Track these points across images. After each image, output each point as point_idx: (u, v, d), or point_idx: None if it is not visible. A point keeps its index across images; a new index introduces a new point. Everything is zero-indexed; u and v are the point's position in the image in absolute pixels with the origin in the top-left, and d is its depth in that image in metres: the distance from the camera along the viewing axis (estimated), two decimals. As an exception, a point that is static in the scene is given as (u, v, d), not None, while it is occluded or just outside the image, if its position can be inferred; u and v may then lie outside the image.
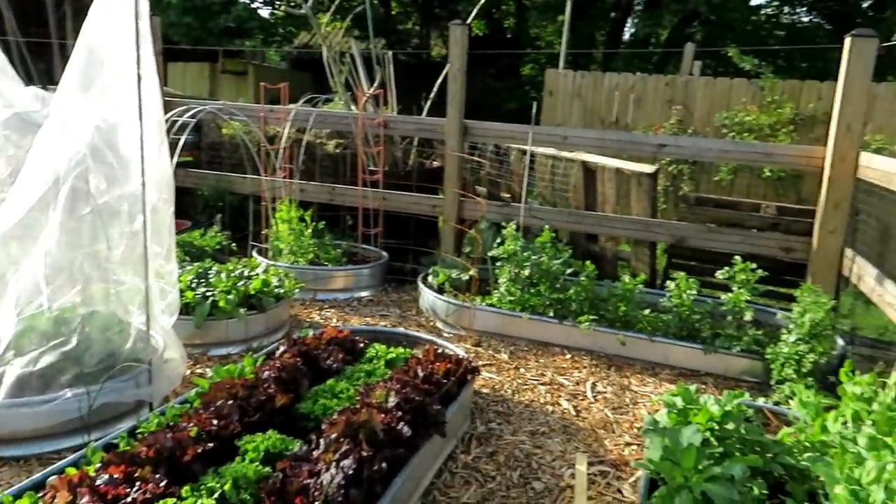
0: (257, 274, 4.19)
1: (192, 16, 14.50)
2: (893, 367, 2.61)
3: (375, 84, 6.04)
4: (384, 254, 5.37)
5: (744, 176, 7.60)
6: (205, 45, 15.11)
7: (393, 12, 20.25)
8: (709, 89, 7.97)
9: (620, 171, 5.01)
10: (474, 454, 2.93)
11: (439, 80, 6.19)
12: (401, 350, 3.31)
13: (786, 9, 19.44)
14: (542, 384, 3.68)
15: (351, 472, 2.08)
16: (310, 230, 5.11)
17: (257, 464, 2.19)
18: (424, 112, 6.57)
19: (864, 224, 4.28)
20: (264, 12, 18.42)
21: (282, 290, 4.14)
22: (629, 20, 19.51)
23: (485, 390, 3.56)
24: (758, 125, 7.42)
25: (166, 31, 12.74)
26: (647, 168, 4.88)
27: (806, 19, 19.40)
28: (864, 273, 3.84)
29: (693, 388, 2.65)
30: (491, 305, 4.37)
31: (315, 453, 2.22)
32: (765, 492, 2.18)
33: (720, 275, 4.05)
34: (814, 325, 3.51)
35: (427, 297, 4.64)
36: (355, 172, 5.45)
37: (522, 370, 3.85)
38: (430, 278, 4.83)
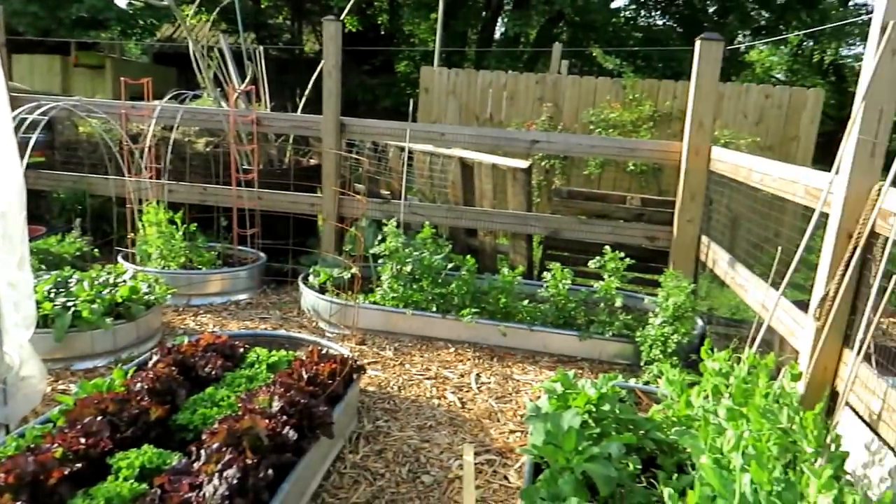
0: (124, 281, 3.95)
1: (39, 4, 13.34)
2: (746, 343, 2.85)
3: (247, 80, 5.84)
4: (262, 255, 5.22)
5: (610, 170, 8.01)
6: (55, 36, 13.99)
7: (262, 6, 19.64)
8: (576, 87, 8.33)
9: (496, 166, 5.14)
10: (363, 453, 2.91)
11: (314, 77, 6.08)
12: (283, 353, 3.23)
13: (642, 12, 20.70)
14: (427, 379, 3.72)
15: (235, 481, 2.01)
16: (181, 233, 4.87)
17: (132, 482, 2.07)
18: (299, 109, 6.43)
19: (716, 213, 4.64)
20: (122, 2, 17.26)
21: (152, 297, 3.92)
22: (500, 19, 20.04)
23: (371, 388, 3.55)
24: (621, 122, 7.85)
25: (9, 20, 11.68)
26: (522, 163, 5.04)
27: (660, 22, 20.75)
28: (718, 258, 4.16)
29: (571, 373, 2.77)
30: (374, 303, 4.36)
31: (196, 465, 2.12)
32: (638, 466, 2.32)
33: (592, 264, 4.26)
34: (676, 308, 3.77)
35: (308, 297, 4.55)
36: (228, 171, 5.25)
37: (408, 366, 3.87)
38: (311, 278, 4.75)
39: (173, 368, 2.82)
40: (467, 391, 3.61)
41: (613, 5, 19.67)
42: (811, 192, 2.86)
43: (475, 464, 2.88)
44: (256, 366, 3.08)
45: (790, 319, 2.91)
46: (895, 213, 2.23)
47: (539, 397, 3.39)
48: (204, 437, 2.25)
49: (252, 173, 5.23)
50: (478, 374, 3.82)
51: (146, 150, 5.05)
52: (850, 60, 26.83)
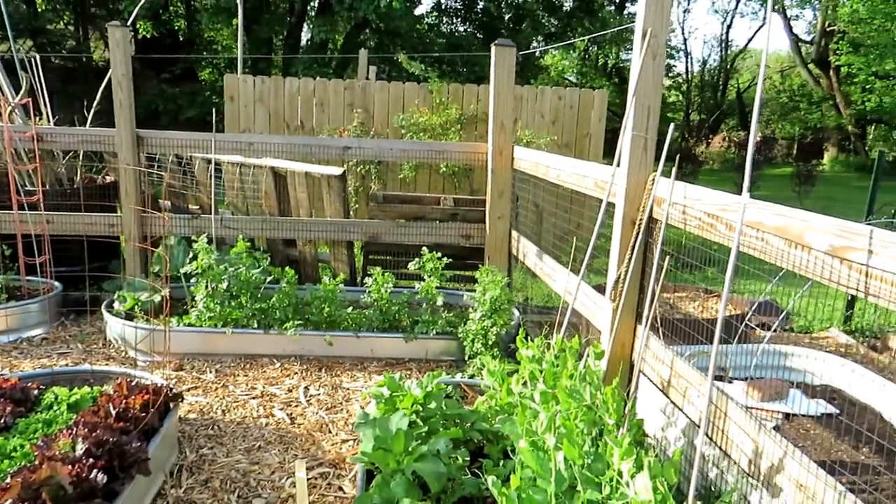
0: None
1: None
2: (554, 330, 3.06)
3: (22, 92, 5.26)
4: (56, 284, 4.72)
5: (424, 172, 8.22)
6: None
7: (40, 10, 17.77)
8: (384, 93, 8.44)
9: (310, 174, 5.07)
10: (186, 486, 2.75)
11: (102, 87, 5.61)
12: (86, 390, 2.96)
13: (444, 19, 21.45)
14: (253, 398, 3.59)
15: (36, 540, 1.81)
16: (-48, 267, 4.29)
17: None
18: (88, 122, 5.91)
19: (523, 208, 4.93)
20: None
21: (-81, 344, 3.41)
22: (305, 25, 19.76)
23: (192, 416, 3.35)
24: (430, 125, 8.08)
25: None
26: (336, 170, 5.02)
27: (462, 29, 21.62)
28: (527, 251, 4.43)
29: (398, 375, 2.81)
30: (190, 325, 4.12)
31: (-14, 529, 1.88)
32: (467, 458, 2.41)
33: (412, 266, 4.35)
34: (493, 302, 3.95)
35: (114, 325, 4.20)
36: (7, 194, 4.69)
37: (231, 387, 3.71)
38: (116, 305, 4.39)
39: (-50, 423, 2.48)
40: (296, 406, 3.53)
41: (417, 12, 20.19)
42: (599, 185, 3.14)
43: (308, 479, 2.83)
44: (55, 407, 2.80)
45: (591, 302, 3.17)
46: (666, 200, 2.51)
47: (368, 403, 3.40)
48: (-6, 495, 2.01)
49: (37, 195, 4.72)
50: (306, 388, 3.75)
51: None
52: (628, 63, 29.81)
